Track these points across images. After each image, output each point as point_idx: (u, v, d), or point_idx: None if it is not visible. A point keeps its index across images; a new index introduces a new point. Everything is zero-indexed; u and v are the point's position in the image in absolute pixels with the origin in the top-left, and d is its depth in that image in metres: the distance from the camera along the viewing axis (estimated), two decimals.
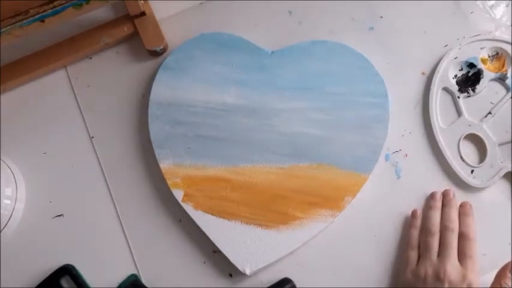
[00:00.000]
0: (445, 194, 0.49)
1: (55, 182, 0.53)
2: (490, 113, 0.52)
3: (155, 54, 0.57)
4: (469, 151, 0.51)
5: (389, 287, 0.47)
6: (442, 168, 0.51)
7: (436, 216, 0.47)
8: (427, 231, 0.47)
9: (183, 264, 0.50)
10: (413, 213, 0.49)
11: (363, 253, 0.49)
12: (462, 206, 0.48)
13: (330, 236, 0.49)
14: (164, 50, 0.57)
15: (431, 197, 0.49)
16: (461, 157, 0.50)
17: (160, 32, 0.56)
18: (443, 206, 0.48)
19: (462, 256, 0.45)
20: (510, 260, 0.45)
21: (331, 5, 0.58)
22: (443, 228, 0.46)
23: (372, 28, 0.57)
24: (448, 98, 0.53)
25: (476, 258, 0.45)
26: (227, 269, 0.49)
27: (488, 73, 0.53)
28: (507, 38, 0.54)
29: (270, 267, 0.48)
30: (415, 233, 0.48)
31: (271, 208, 0.49)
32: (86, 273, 0.50)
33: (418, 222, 0.48)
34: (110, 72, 0.57)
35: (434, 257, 0.45)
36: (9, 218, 0.51)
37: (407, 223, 0.49)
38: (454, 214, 0.47)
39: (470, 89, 0.53)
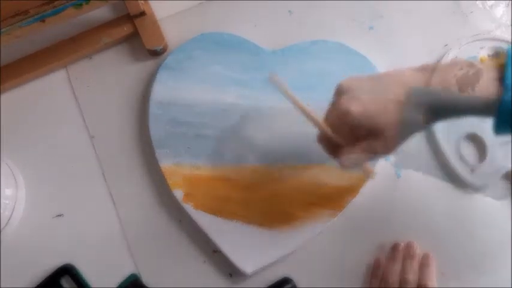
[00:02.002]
0: (408, 246, 0.48)
1: (55, 182, 0.53)
2: None
3: (155, 54, 0.57)
4: (469, 151, 0.51)
5: None
6: (442, 168, 0.51)
7: (396, 268, 0.46)
8: (386, 283, 0.46)
9: (183, 264, 0.50)
10: (375, 263, 0.48)
11: (363, 253, 0.49)
12: (423, 258, 0.47)
13: (331, 235, 0.49)
14: (164, 50, 0.57)
15: (394, 248, 0.48)
16: (461, 157, 0.50)
17: (160, 31, 0.56)
18: (405, 257, 0.47)
19: None
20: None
21: (331, 5, 0.58)
22: (403, 281, 0.45)
23: (372, 28, 0.57)
24: None
25: None
26: (227, 269, 0.49)
27: None
28: (507, 37, 0.54)
29: (270, 267, 0.48)
30: (375, 283, 0.47)
31: (271, 208, 0.49)
32: (86, 273, 0.50)
33: (380, 272, 0.47)
34: (110, 72, 0.57)
35: None
36: (9, 218, 0.51)
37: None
38: (414, 266, 0.46)
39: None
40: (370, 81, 0.37)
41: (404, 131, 0.36)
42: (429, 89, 0.35)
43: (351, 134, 0.38)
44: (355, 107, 0.35)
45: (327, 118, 0.39)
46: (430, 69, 0.36)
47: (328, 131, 0.38)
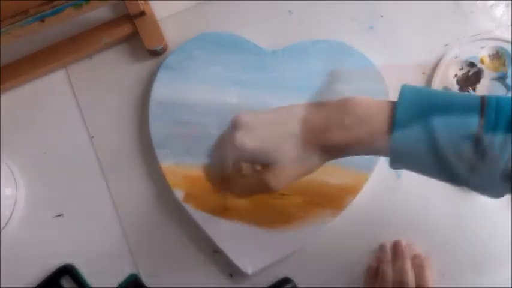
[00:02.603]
0: (395, 245, 0.47)
1: (55, 182, 0.53)
2: None
3: (155, 54, 0.57)
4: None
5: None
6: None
7: (388, 270, 0.46)
8: (382, 285, 0.45)
9: (183, 264, 0.50)
10: (368, 268, 0.47)
11: (363, 253, 0.49)
12: (417, 258, 0.47)
13: (331, 235, 0.49)
14: (164, 50, 0.57)
15: (381, 249, 0.48)
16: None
17: (160, 31, 0.56)
18: (395, 258, 0.47)
19: None
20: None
21: (331, 5, 0.58)
22: (398, 284, 0.45)
23: (372, 27, 0.57)
24: None
25: None
26: (227, 268, 0.49)
27: (489, 72, 0.53)
28: (507, 37, 0.54)
29: (271, 267, 0.48)
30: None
31: (272, 208, 0.49)
32: (86, 273, 0.50)
33: (373, 278, 0.47)
34: (110, 72, 0.57)
35: None
36: (9, 218, 0.51)
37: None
38: (407, 267, 0.45)
39: (470, 88, 0.53)
40: (266, 115, 0.37)
41: (299, 167, 0.36)
42: (326, 129, 0.34)
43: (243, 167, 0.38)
44: (249, 142, 0.35)
45: (219, 147, 0.38)
46: (325, 107, 0.36)
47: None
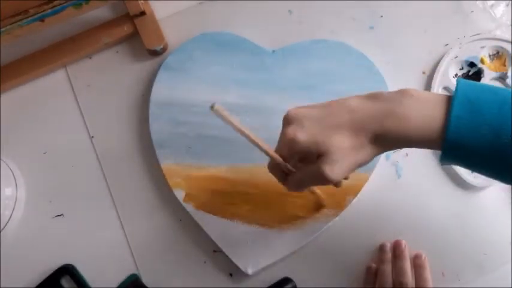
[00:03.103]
0: (396, 245, 0.47)
1: (55, 182, 0.53)
2: None
3: (155, 53, 0.57)
4: None
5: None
6: (442, 167, 0.51)
7: (388, 270, 0.46)
8: (381, 286, 0.45)
9: (183, 264, 0.50)
10: (368, 269, 0.48)
11: (363, 253, 0.49)
12: (417, 258, 0.47)
13: (331, 235, 0.49)
14: (164, 50, 0.57)
15: (381, 249, 0.48)
16: None
17: (160, 31, 0.56)
18: (395, 258, 0.47)
19: None
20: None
21: (331, 5, 0.58)
22: (398, 284, 0.45)
23: (372, 27, 0.57)
24: None
25: None
26: (227, 268, 0.49)
27: (489, 72, 0.53)
28: (507, 37, 0.54)
29: (271, 267, 0.48)
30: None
31: (272, 208, 0.49)
32: (86, 273, 0.50)
33: (372, 277, 0.47)
34: (110, 72, 0.57)
35: None
36: (9, 218, 0.51)
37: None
38: (407, 267, 0.46)
39: None
40: (316, 109, 0.37)
41: (352, 157, 0.35)
42: (379, 118, 0.34)
43: (301, 162, 0.38)
44: (300, 134, 0.35)
45: (278, 148, 0.39)
46: (377, 98, 0.36)
47: (277, 158, 0.38)
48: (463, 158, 0.34)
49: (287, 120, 0.37)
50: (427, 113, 0.33)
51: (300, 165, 0.39)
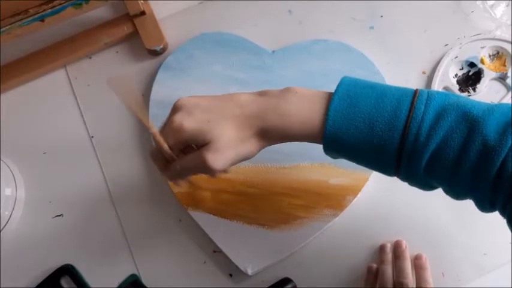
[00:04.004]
0: (396, 246, 0.48)
1: (55, 182, 0.53)
2: None
3: (155, 53, 0.57)
4: None
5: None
6: None
7: (388, 271, 0.46)
8: (382, 286, 0.45)
9: (183, 264, 0.50)
10: (369, 269, 0.48)
11: (363, 253, 0.49)
12: (418, 258, 0.47)
13: (331, 235, 0.49)
14: (164, 50, 0.57)
15: (381, 249, 0.48)
16: None
17: (160, 31, 0.56)
18: (395, 258, 0.47)
19: None
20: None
21: (331, 5, 0.58)
22: (398, 285, 0.45)
23: (372, 27, 0.57)
24: None
25: None
26: (227, 268, 0.49)
27: (489, 72, 0.53)
28: (507, 37, 0.54)
29: (271, 267, 0.48)
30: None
31: (272, 208, 0.49)
32: (86, 273, 0.50)
33: (373, 277, 0.47)
34: (109, 72, 0.57)
35: None
36: (9, 218, 0.51)
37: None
38: (407, 268, 0.46)
39: (470, 88, 0.53)
40: (206, 99, 0.38)
41: (236, 149, 0.36)
42: (263, 113, 0.36)
43: (185, 151, 0.38)
44: (188, 122, 0.36)
45: (163, 135, 0.38)
46: (265, 94, 0.37)
47: (164, 144, 0.38)
48: (343, 150, 0.35)
49: (176, 108, 0.37)
50: (308, 109, 0.35)
51: (182, 155, 0.38)
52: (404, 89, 0.34)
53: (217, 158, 0.35)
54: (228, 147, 0.36)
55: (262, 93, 0.37)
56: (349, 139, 0.33)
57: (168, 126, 0.37)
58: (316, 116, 0.34)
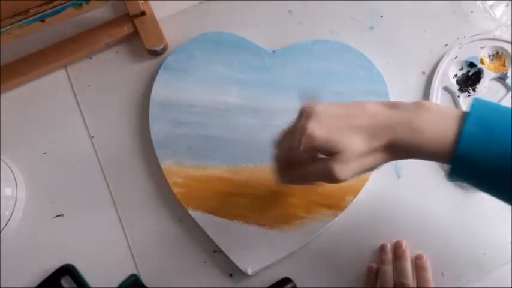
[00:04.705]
0: (396, 246, 0.48)
1: (55, 182, 0.53)
2: None
3: (155, 53, 0.57)
4: None
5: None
6: (442, 167, 0.51)
7: (389, 271, 0.46)
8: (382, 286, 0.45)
9: (183, 264, 0.50)
10: (369, 269, 0.48)
11: (363, 253, 0.49)
12: (418, 259, 0.47)
13: (331, 235, 0.49)
14: (164, 50, 0.57)
15: (382, 250, 0.48)
16: None
17: (160, 31, 0.56)
18: (396, 258, 0.47)
19: None
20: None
21: (331, 5, 0.58)
22: (399, 285, 0.45)
23: (372, 27, 0.57)
24: (449, 97, 0.53)
25: None
26: (227, 268, 0.49)
27: (489, 72, 0.53)
28: (507, 37, 0.54)
29: (271, 267, 0.48)
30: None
31: (272, 208, 0.49)
32: (86, 273, 0.50)
33: (373, 277, 0.47)
34: (110, 72, 0.57)
35: None
36: (9, 218, 0.51)
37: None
38: (408, 268, 0.46)
39: (470, 88, 0.53)
40: (335, 107, 0.37)
41: (363, 161, 0.36)
42: (395, 127, 0.35)
43: (309, 157, 0.38)
44: (319, 131, 0.35)
45: (288, 138, 0.39)
46: (396, 107, 0.36)
47: (288, 151, 0.38)
48: (471, 175, 0.34)
49: (306, 114, 0.37)
50: (440, 127, 0.34)
51: (305, 160, 0.38)
52: None
53: (343, 170, 0.35)
54: (355, 159, 0.35)
55: (393, 105, 0.36)
56: (481, 164, 0.32)
57: (298, 132, 0.37)
58: (448, 136, 0.33)
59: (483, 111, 0.33)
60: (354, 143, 0.35)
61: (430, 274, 0.46)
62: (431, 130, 0.34)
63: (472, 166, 0.33)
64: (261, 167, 0.51)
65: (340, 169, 0.35)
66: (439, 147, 0.34)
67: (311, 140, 0.36)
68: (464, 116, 0.33)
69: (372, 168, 0.37)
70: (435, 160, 0.35)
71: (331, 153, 0.36)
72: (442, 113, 0.35)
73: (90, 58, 0.58)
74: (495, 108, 0.34)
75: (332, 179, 0.36)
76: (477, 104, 0.34)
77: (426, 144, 0.34)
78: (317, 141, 0.35)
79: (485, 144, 0.32)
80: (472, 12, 0.56)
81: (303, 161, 0.38)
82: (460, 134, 0.33)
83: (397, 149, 0.35)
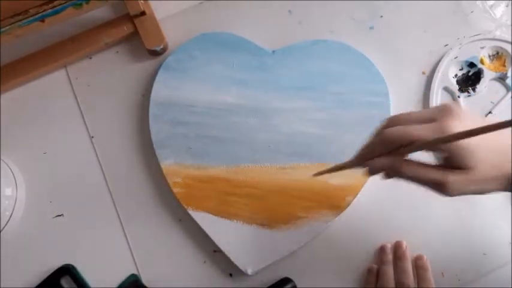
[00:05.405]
0: (397, 246, 0.47)
1: (55, 182, 0.53)
2: (490, 112, 0.52)
3: (155, 53, 0.57)
4: None
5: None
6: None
7: (389, 271, 0.46)
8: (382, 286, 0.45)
9: (183, 264, 0.50)
10: (370, 270, 0.48)
11: (363, 253, 0.49)
12: (419, 259, 0.47)
13: (331, 235, 0.49)
14: (164, 50, 0.57)
15: (382, 250, 0.48)
16: None
17: (160, 31, 0.56)
18: (396, 259, 0.47)
19: None
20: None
21: (331, 5, 0.58)
22: (400, 285, 0.45)
23: (372, 27, 0.57)
24: (449, 97, 0.53)
25: None
26: (227, 268, 0.49)
27: (489, 72, 0.53)
28: (507, 37, 0.54)
29: (271, 267, 0.48)
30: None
31: (272, 208, 0.49)
32: (86, 273, 0.50)
33: (373, 278, 0.47)
34: (110, 72, 0.57)
35: None
36: (9, 218, 0.51)
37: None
38: (408, 268, 0.46)
39: (470, 88, 0.53)
40: (479, 118, 0.35)
41: (484, 185, 0.33)
42: None
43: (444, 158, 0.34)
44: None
45: (421, 129, 0.33)
46: None
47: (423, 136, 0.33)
48: None
49: (452, 113, 0.33)
50: None
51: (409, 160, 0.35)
52: None
53: (461, 188, 0.33)
54: (478, 181, 0.32)
55: None
56: None
57: (438, 126, 0.33)
58: None
59: None
60: (486, 165, 0.32)
61: (430, 274, 0.46)
62: None
63: None
64: (261, 167, 0.51)
65: (459, 187, 0.33)
66: None
67: (450, 140, 0.32)
68: None
69: (487, 193, 0.34)
70: None
71: (459, 164, 0.32)
72: None
73: (90, 58, 0.58)
74: None
75: (441, 189, 0.33)
76: None
77: None
78: (455, 145, 0.32)
79: None
80: (472, 12, 0.56)
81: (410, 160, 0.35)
82: None
83: None
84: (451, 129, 0.32)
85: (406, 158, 0.36)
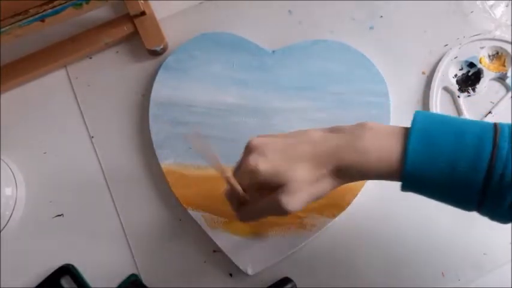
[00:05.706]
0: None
1: (55, 182, 0.53)
2: (490, 112, 0.52)
3: (155, 53, 0.57)
4: None
5: (389, 287, 0.47)
6: None
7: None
8: None
9: (183, 264, 0.50)
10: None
11: (363, 253, 0.49)
12: None
13: (331, 235, 0.49)
14: (164, 50, 0.57)
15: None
16: None
17: (160, 31, 0.56)
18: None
19: None
20: None
21: (331, 5, 0.58)
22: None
23: (372, 27, 0.57)
24: (448, 97, 0.53)
25: None
26: (227, 268, 0.49)
27: (489, 72, 0.53)
28: (507, 37, 0.54)
29: (271, 267, 0.48)
30: None
31: None
32: (86, 273, 0.50)
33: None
34: (110, 72, 0.57)
35: None
36: (9, 217, 0.51)
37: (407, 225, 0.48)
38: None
39: (470, 88, 0.53)
40: (279, 139, 0.37)
41: (311, 189, 0.36)
42: (340, 151, 0.35)
43: (259, 192, 0.38)
44: (262, 164, 0.35)
45: (235, 175, 0.38)
46: (339, 131, 0.36)
47: (238, 187, 0.38)
48: (422, 189, 0.35)
49: (249, 149, 0.37)
50: (385, 146, 0.34)
51: (256, 196, 0.38)
52: (482, 124, 0.33)
53: (291, 201, 0.35)
54: (303, 189, 0.35)
55: (334, 130, 0.37)
56: (429, 179, 0.33)
57: (243, 169, 0.37)
58: (394, 154, 0.33)
59: (425, 124, 0.33)
60: (299, 173, 0.35)
61: None
62: (376, 150, 0.34)
63: (421, 181, 0.33)
64: None
65: (289, 201, 0.35)
66: (387, 167, 0.34)
67: (255, 175, 0.36)
68: (408, 132, 0.33)
69: (323, 195, 0.37)
70: (386, 179, 0.35)
71: (278, 185, 0.35)
72: (385, 132, 0.34)
73: (90, 58, 0.58)
74: (436, 120, 0.34)
75: (282, 211, 0.35)
76: (418, 117, 0.34)
77: (373, 165, 0.34)
78: (261, 175, 0.35)
79: (430, 159, 0.32)
80: (472, 12, 0.56)
81: (254, 197, 0.38)
82: (405, 152, 0.33)
83: (345, 173, 0.35)
84: (250, 166, 0.36)
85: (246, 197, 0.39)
